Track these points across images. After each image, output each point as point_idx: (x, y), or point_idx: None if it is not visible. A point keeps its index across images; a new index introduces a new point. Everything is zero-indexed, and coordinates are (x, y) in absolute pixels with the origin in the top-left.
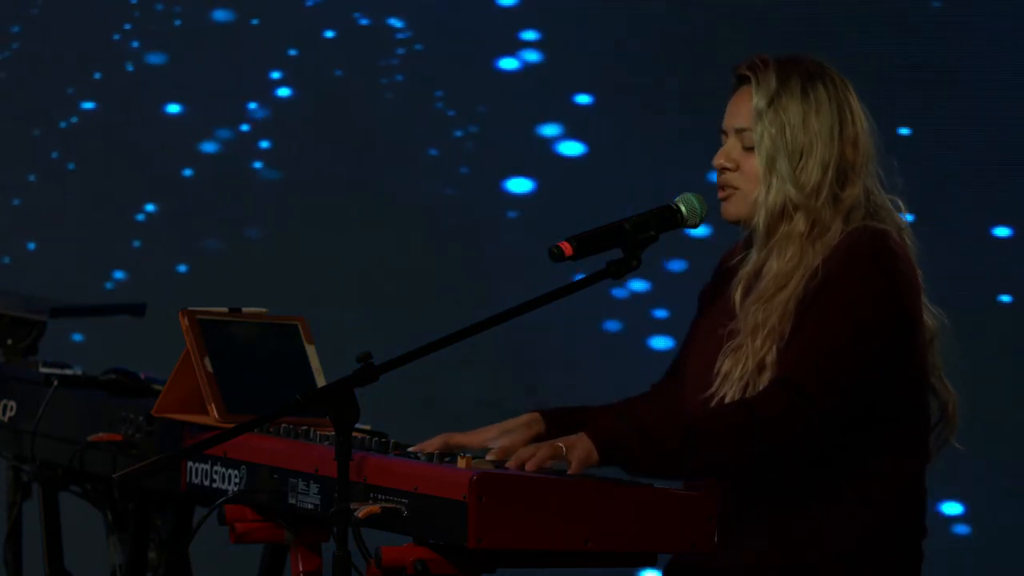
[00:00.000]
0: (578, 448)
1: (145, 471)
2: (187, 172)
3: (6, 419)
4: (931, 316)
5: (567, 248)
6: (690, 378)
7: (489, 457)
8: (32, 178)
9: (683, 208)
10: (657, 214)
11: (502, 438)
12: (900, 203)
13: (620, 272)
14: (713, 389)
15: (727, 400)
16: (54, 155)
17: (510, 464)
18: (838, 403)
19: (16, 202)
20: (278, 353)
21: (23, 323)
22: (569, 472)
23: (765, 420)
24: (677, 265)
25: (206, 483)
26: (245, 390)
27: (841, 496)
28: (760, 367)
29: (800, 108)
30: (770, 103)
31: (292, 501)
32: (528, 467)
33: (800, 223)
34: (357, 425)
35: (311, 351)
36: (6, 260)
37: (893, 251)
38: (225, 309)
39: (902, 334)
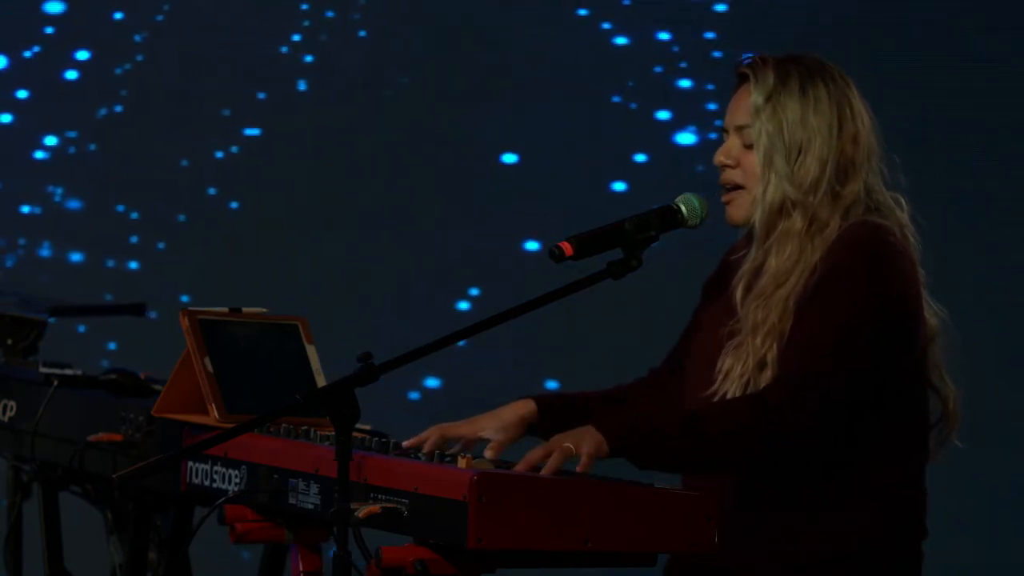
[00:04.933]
0: (587, 442)
1: (145, 471)
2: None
3: (6, 419)
4: (933, 314)
5: (567, 248)
6: (691, 376)
7: (486, 456)
8: (182, 218)
9: (683, 208)
10: (658, 214)
11: (497, 434)
12: (902, 201)
13: (620, 272)
14: (715, 387)
15: (729, 397)
16: (211, 191)
17: (519, 467)
18: (843, 396)
19: (161, 246)
20: (278, 353)
21: (23, 323)
22: (579, 468)
23: (775, 415)
24: None
25: (206, 483)
26: (245, 390)
27: (840, 496)
28: (761, 365)
29: (798, 105)
30: (768, 99)
31: (292, 501)
32: (544, 475)
33: (798, 220)
34: (357, 425)
35: (311, 351)
36: (152, 315)
37: (892, 244)
38: (225, 309)
39: (901, 326)
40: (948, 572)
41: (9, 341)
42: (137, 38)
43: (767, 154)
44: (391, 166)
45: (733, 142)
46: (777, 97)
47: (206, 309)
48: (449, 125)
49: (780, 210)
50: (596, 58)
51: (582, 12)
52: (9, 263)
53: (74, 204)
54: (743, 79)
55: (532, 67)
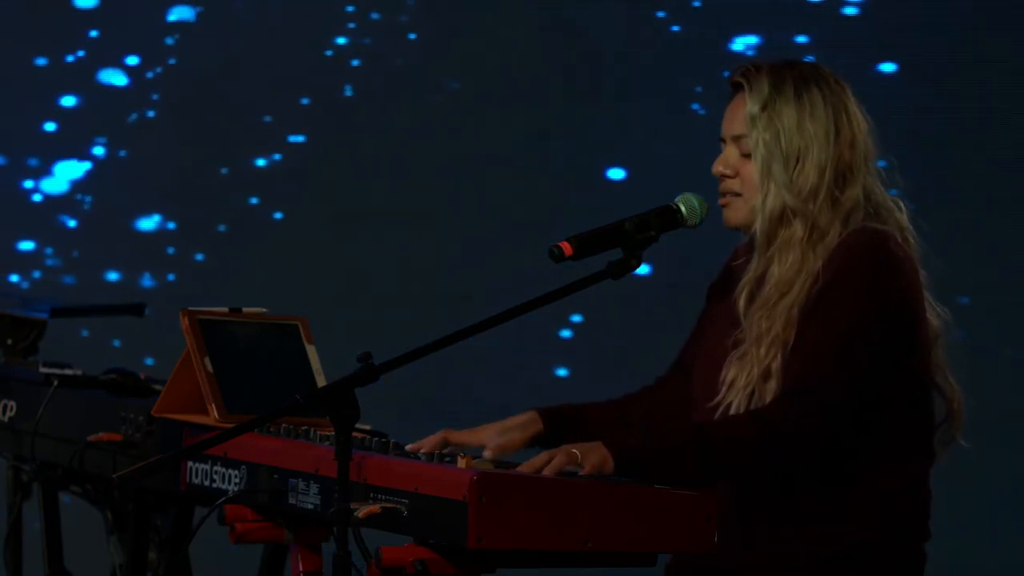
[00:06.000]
0: (593, 455)
1: (145, 471)
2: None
3: (6, 419)
4: (935, 315)
5: (567, 248)
6: (696, 385)
7: (485, 456)
8: (222, 228)
9: (683, 208)
10: (657, 214)
11: (499, 437)
12: (901, 203)
13: (620, 272)
14: (719, 397)
15: (733, 408)
16: (253, 200)
17: (523, 468)
18: (850, 407)
19: (199, 257)
20: (278, 353)
21: (23, 323)
22: (580, 475)
23: (781, 434)
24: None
25: (206, 483)
26: (245, 390)
27: (841, 497)
28: (765, 375)
29: (794, 112)
30: (763, 108)
31: (292, 501)
32: (545, 474)
33: (799, 228)
34: (357, 425)
35: (311, 351)
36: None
37: (892, 250)
38: (225, 309)
39: (902, 331)
40: (948, 572)
41: (9, 341)
42: (169, 40)
43: (765, 163)
44: (426, 168)
45: (731, 152)
46: (773, 105)
47: (206, 309)
48: (497, 130)
49: (780, 218)
50: (670, 60)
51: (661, 15)
52: (68, 281)
53: (112, 213)
54: (737, 88)
55: (574, 71)
